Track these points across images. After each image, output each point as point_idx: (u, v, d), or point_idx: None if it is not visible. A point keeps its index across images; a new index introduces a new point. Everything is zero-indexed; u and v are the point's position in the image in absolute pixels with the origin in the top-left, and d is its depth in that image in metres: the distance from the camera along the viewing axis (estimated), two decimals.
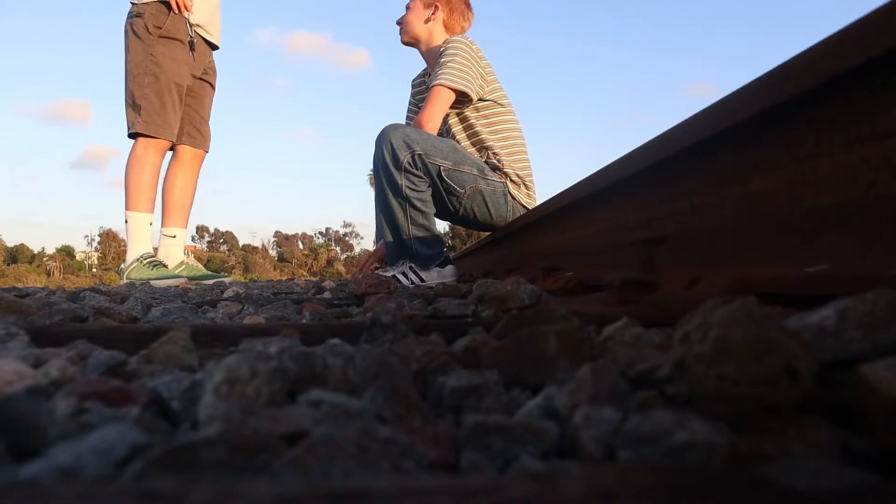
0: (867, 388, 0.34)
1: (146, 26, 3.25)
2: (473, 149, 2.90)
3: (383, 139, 2.57)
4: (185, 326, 0.67)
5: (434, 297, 1.36)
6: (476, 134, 2.89)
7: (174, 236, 3.54)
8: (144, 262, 3.26)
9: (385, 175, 2.59)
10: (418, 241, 2.62)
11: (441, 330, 0.69)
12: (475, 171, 2.70)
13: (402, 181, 2.56)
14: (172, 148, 3.52)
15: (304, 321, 1.05)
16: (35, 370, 0.50)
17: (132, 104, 3.27)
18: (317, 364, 0.50)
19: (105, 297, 1.61)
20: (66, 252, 52.57)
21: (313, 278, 5.82)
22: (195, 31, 3.41)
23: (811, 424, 0.34)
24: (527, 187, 2.89)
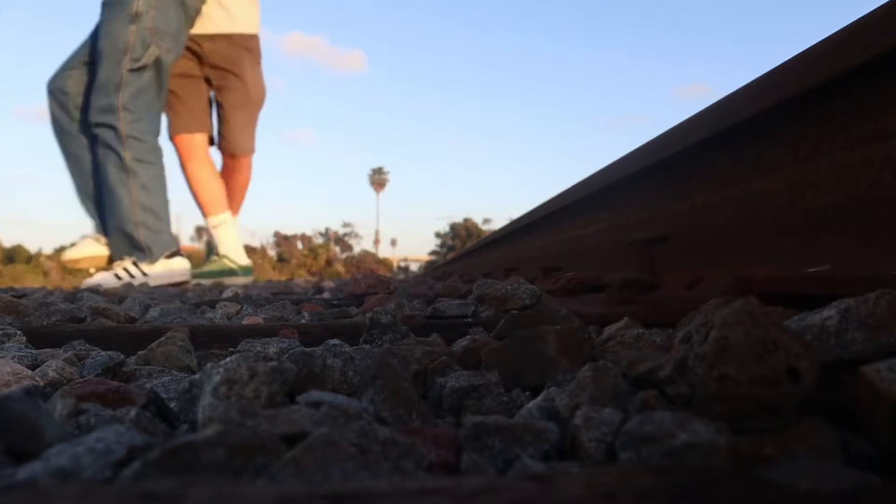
0: (869, 390, 0.34)
1: None
2: None
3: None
4: (184, 327, 0.67)
5: (434, 297, 1.36)
6: None
7: (221, 224, 3.54)
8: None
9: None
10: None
11: (441, 330, 0.69)
12: None
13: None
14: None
15: (303, 321, 1.05)
16: (32, 371, 0.50)
17: None
18: (316, 365, 0.49)
19: (103, 297, 1.60)
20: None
21: (312, 278, 5.81)
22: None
23: (813, 425, 0.34)
24: None
